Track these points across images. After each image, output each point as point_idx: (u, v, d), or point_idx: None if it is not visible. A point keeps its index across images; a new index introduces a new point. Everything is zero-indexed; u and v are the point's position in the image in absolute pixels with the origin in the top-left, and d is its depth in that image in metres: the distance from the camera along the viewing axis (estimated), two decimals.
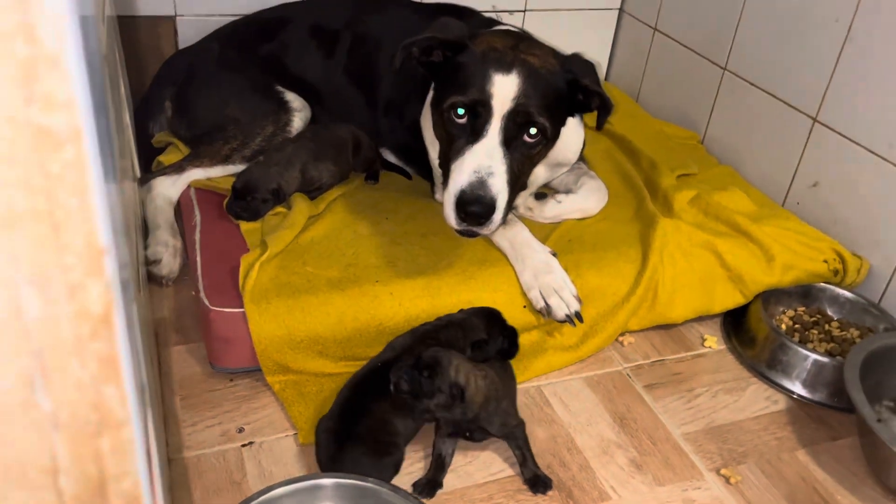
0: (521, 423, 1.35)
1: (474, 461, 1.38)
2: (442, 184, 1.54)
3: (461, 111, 1.43)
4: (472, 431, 1.31)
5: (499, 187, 1.39)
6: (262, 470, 1.33)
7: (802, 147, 1.96)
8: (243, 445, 1.38)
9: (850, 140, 1.82)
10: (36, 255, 0.37)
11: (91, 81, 0.37)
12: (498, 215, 1.40)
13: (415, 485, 1.31)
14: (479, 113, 1.42)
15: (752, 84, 2.10)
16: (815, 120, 1.92)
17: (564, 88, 1.49)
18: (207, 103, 1.90)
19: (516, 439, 1.34)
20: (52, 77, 0.35)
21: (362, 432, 1.26)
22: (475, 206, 1.37)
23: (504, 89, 1.41)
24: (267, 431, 1.41)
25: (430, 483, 1.30)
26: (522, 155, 1.46)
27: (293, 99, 1.90)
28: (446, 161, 1.49)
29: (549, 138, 1.49)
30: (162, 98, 1.96)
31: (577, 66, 1.51)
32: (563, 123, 1.56)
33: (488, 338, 1.42)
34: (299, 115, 1.89)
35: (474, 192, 1.37)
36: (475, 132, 1.43)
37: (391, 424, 1.28)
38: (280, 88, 1.91)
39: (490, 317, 1.48)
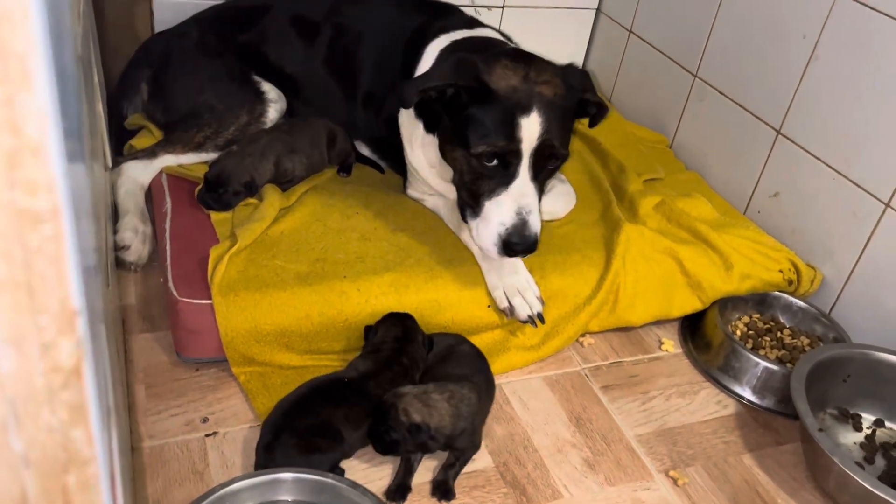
0: (477, 448, 1.41)
1: (434, 458, 1.42)
2: (461, 208, 1.59)
3: (491, 156, 1.48)
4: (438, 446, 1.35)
5: (538, 223, 1.50)
6: (225, 460, 1.36)
7: (766, 157, 2.02)
8: (207, 435, 1.40)
9: (809, 153, 1.88)
10: (13, 317, 0.40)
11: (69, 167, 0.41)
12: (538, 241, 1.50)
13: (386, 492, 1.34)
14: (510, 160, 1.48)
15: (720, 92, 2.15)
16: (778, 132, 1.97)
17: (573, 108, 1.55)
18: (183, 89, 1.89)
19: (464, 453, 1.38)
20: (34, 164, 0.39)
21: (301, 427, 1.28)
22: (521, 246, 1.47)
23: (530, 131, 1.46)
24: (231, 422, 1.44)
25: (400, 487, 1.34)
26: (545, 178, 1.55)
27: (269, 90, 1.90)
28: (473, 196, 1.53)
29: (566, 159, 1.57)
30: (137, 80, 1.95)
31: (578, 81, 1.56)
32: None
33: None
34: (275, 105, 1.90)
35: (520, 234, 1.47)
36: (508, 174, 1.49)
37: (335, 430, 1.30)
38: (257, 78, 1.91)
39: (396, 316, 1.53)
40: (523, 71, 1.50)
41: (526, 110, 1.46)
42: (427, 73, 1.56)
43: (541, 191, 1.54)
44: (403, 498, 1.33)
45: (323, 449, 1.29)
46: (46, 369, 0.41)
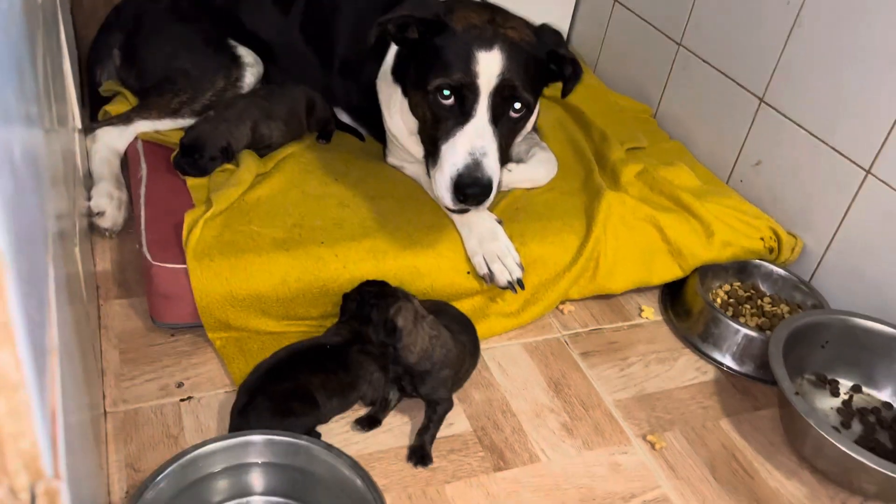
0: (448, 402, 1.40)
1: (410, 422, 1.42)
2: (425, 160, 1.56)
3: (447, 92, 1.44)
4: (406, 382, 1.37)
5: (493, 167, 1.42)
6: (200, 424, 1.35)
7: (748, 126, 2.01)
8: (182, 400, 1.39)
9: (792, 122, 1.87)
10: None
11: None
12: (493, 193, 1.44)
13: (357, 420, 1.37)
14: (466, 94, 1.43)
15: (704, 61, 2.13)
16: (761, 100, 1.96)
17: (543, 59, 1.51)
18: (157, 54, 1.86)
19: (435, 411, 1.38)
20: None
21: (276, 391, 1.28)
22: (474, 189, 1.40)
23: (489, 67, 1.42)
24: (206, 387, 1.42)
25: (370, 419, 1.38)
26: (508, 129, 1.49)
27: (246, 54, 1.87)
28: (432, 141, 1.50)
29: (532, 110, 1.53)
30: (109, 45, 1.92)
31: (550, 37, 1.54)
32: (540, 94, 1.59)
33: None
34: (251, 70, 1.87)
35: (472, 175, 1.40)
36: (463, 112, 1.44)
37: (311, 396, 1.30)
38: (233, 42, 1.88)
39: (370, 284, 1.51)
40: (488, 16, 1.49)
41: (486, 45, 1.42)
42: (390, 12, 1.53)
43: (505, 139, 1.48)
44: (370, 427, 1.37)
45: (297, 413, 1.28)
46: None
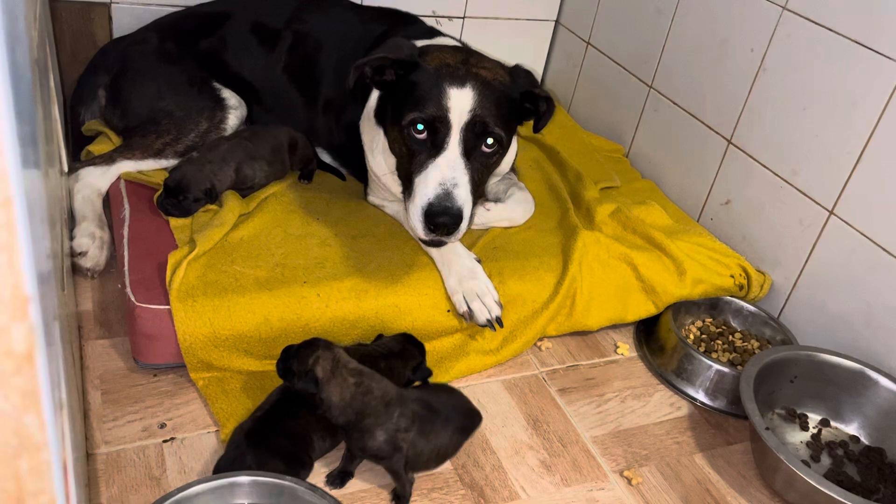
0: (388, 461, 1.30)
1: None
2: (403, 195, 1.59)
3: (420, 126, 1.49)
4: (349, 441, 1.32)
5: (464, 198, 1.46)
6: (183, 466, 1.36)
7: (718, 166, 2.08)
8: (164, 441, 1.40)
9: (759, 163, 1.95)
10: None
11: (23, 158, 0.41)
12: (464, 224, 1.47)
13: (328, 476, 1.36)
14: (438, 127, 1.48)
15: (674, 103, 2.21)
16: (729, 142, 2.04)
17: (516, 98, 1.57)
18: (142, 95, 1.88)
19: (392, 471, 1.33)
20: None
21: (279, 445, 1.29)
22: (444, 218, 1.44)
23: (460, 102, 1.48)
24: (189, 427, 1.43)
25: (342, 473, 1.36)
26: (481, 164, 1.54)
27: (230, 96, 1.91)
28: (408, 176, 1.54)
29: (505, 146, 1.57)
30: (95, 86, 1.94)
31: (523, 77, 1.60)
32: (514, 132, 1.64)
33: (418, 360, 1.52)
34: (235, 112, 1.90)
35: (442, 204, 1.44)
36: (436, 146, 1.49)
37: (310, 440, 1.32)
38: (217, 85, 1.91)
39: (411, 340, 1.55)
40: (462, 57, 1.55)
41: (458, 82, 1.48)
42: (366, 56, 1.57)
43: (478, 172, 1.51)
44: (342, 483, 1.35)
45: (300, 466, 1.30)
46: None
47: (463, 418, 1.42)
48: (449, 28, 2.46)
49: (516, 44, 2.64)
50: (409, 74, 1.52)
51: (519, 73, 1.61)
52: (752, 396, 1.52)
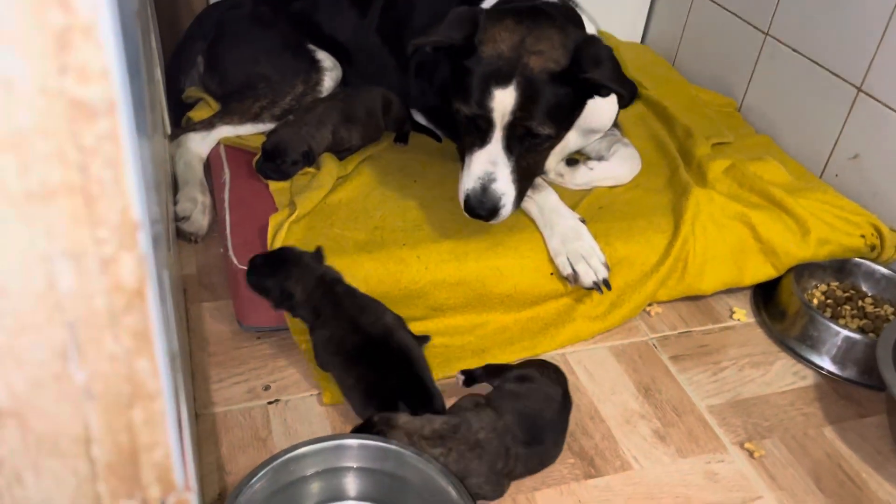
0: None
1: None
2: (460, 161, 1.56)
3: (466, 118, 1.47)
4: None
5: (502, 190, 1.48)
6: (287, 427, 1.35)
7: (844, 117, 1.90)
8: (269, 403, 1.40)
9: (894, 111, 1.76)
10: (70, 228, 0.37)
11: (126, 50, 0.36)
12: (506, 210, 1.49)
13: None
14: (481, 124, 1.46)
15: (794, 50, 2.04)
16: (859, 89, 1.86)
17: (570, 87, 1.44)
18: (238, 60, 1.88)
19: None
20: (86, 47, 0.34)
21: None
22: (480, 211, 1.49)
23: (502, 103, 1.42)
24: (292, 390, 1.43)
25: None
26: (529, 152, 1.50)
27: (324, 58, 1.88)
28: (465, 142, 1.53)
29: (556, 136, 1.51)
30: (193, 53, 1.95)
31: (587, 58, 1.42)
32: (573, 117, 1.54)
33: None
34: (330, 74, 1.87)
35: (478, 198, 1.48)
36: (480, 136, 1.48)
37: None
38: (312, 47, 1.89)
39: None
40: (521, 35, 1.43)
41: (503, 82, 1.41)
42: (432, 28, 1.50)
43: (525, 160, 1.49)
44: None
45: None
46: (107, 288, 0.38)
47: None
48: None
49: None
50: (462, 59, 1.45)
51: (584, 52, 1.42)
52: (892, 365, 1.38)
